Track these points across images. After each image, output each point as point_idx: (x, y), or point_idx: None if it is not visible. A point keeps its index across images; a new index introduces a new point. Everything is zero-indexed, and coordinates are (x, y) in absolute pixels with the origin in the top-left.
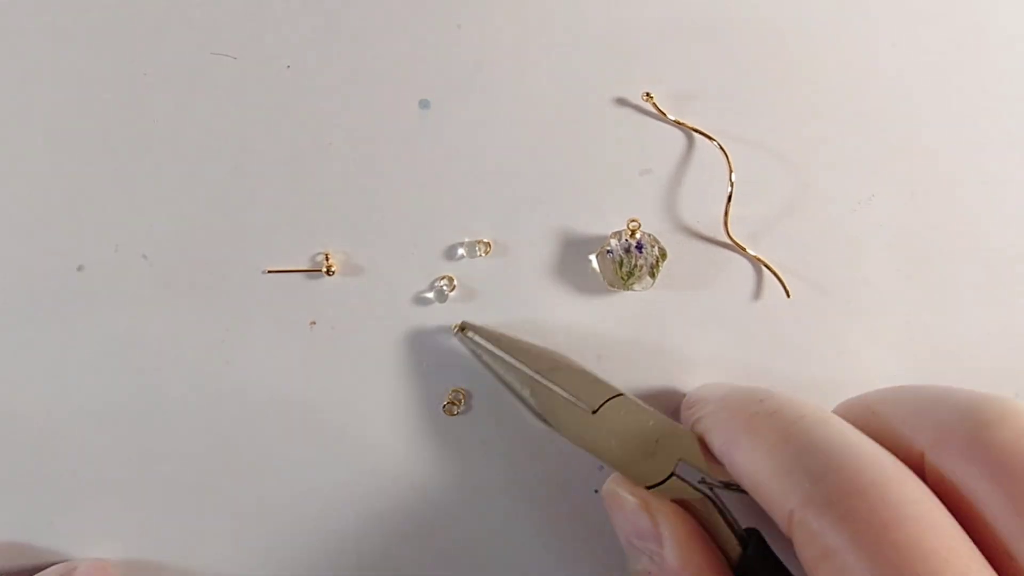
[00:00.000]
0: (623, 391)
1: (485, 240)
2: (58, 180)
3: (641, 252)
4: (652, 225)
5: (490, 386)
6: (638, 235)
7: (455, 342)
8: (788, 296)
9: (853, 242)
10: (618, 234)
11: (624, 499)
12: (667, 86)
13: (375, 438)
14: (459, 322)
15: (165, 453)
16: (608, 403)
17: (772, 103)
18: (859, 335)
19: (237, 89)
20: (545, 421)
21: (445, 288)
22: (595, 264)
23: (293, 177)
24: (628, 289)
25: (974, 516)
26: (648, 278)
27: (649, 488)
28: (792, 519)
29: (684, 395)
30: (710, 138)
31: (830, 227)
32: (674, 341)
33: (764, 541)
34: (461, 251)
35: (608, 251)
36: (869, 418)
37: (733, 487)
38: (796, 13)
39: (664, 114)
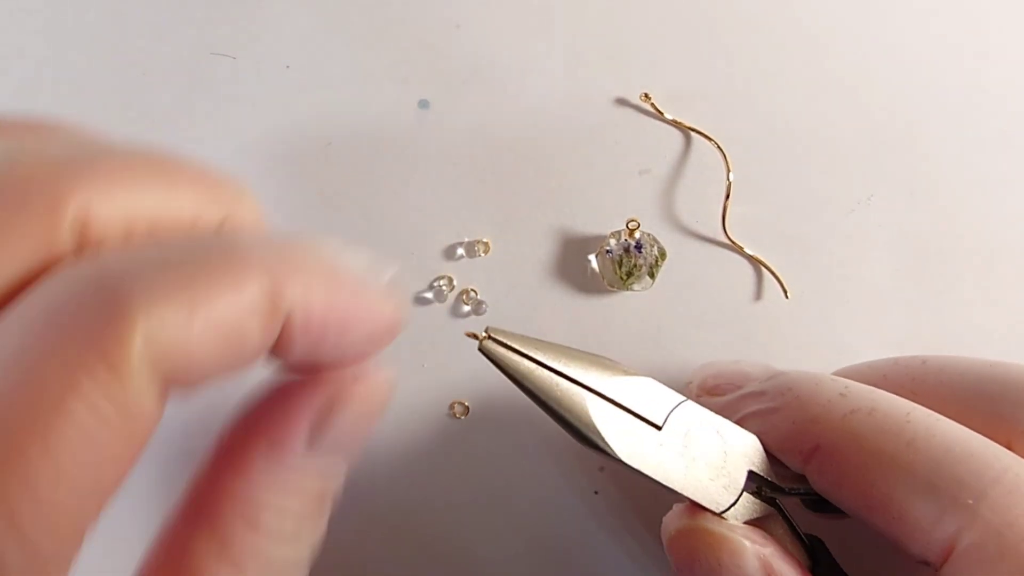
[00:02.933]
0: (683, 396)
1: (484, 240)
2: None
3: (640, 252)
4: (651, 225)
5: (491, 389)
6: (637, 235)
7: (454, 342)
8: (787, 296)
9: (853, 242)
10: (617, 234)
11: (724, 540)
12: (665, 86)
13: (373, 438)
14: (483, 330)
15: (164, 453)
16: (673, 413)
17: (770, 103)
18: (859, 335)
19: (237, 89)
20: (597, 447)
21: (445, 288)
22: (594, 264)
23: (293, 177)
24: (627, 289)
25: None
26: (647, 278)
27: (721, 513)
28: (955, 544)
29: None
30: (708, 138)
31: (829, 227)
32: (673, 341)
33: (828, 551)
34: (461, 251)
35: (607, 251)
36: (912, 394)
37: (800, 493)
38: (794, 13)
39: (662, 114)
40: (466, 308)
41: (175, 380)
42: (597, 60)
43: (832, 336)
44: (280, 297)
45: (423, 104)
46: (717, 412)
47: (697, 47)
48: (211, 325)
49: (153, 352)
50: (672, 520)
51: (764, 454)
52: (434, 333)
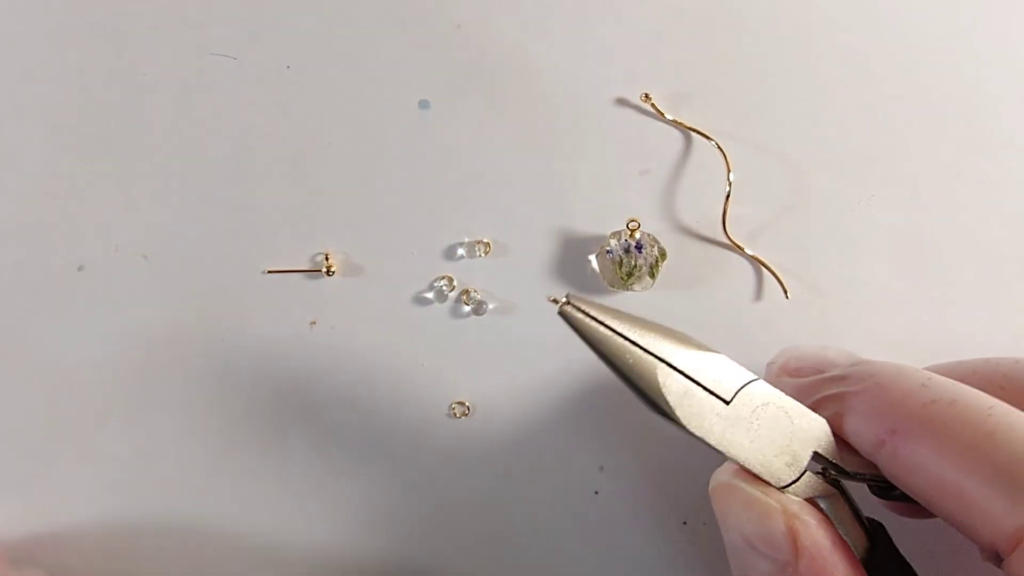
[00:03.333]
0: (756, 374)
1: (485, 240)
2: (58, 180)
3: (640, 252)
4: (651, 225)
5: (491, 389)
6: (637, 235)
7: (454, 342)
8: (787, 296)
9: (853, 242)
10: (617, 234)
11: (755, 500)
12: (666, 86)
13: (374, 438)
14: (564, 295)
15: (164, 453)
16: (743, 390)
17: (771, 103)
18: (859, 335)
19: (237, 89)
20: (666, 414)
21: (445, 288)
22: (595, 264)
23: (293, 177)
24: (628, 289)
25: None
26: (648, 278)
27: (782, 489)
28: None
29: None
30: (708, 138)
31: (829, 227)
32: None
33: (889, 536)
34: (461, 251)
35: (608, 251)
36: (1001, 390)
37: (866, 478)
38: (794, 13)
39: (663, 114)
40: (466, 308)
41: None
42: (597, 60)
43: (832, 336)
44: None
45: (423, 104)
46: (797, 393)
47: (697, 47)
48: None
49: None
50: (717, 473)
51: (832, 438)
52: (434, 333)
